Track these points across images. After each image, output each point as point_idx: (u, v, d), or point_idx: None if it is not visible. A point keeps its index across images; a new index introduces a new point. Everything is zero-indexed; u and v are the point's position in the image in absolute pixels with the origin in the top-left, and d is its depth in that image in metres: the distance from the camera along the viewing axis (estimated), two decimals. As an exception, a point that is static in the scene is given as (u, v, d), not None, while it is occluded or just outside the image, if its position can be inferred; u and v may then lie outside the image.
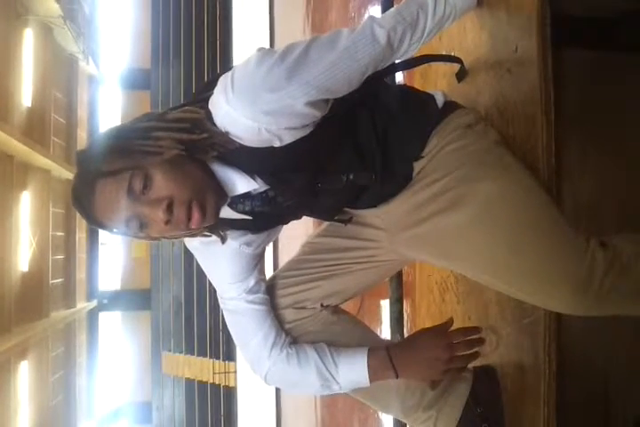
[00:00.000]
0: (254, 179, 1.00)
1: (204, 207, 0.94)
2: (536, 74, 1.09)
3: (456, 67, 1.31)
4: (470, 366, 1.23)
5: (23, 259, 7.62)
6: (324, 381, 1.14)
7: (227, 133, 0.93)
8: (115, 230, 0.98)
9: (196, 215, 0.93)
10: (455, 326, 1.19)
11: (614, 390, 1.24)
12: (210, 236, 1.08)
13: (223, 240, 1.09)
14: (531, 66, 1.10)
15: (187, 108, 0.97)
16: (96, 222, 0.97)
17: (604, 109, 1.31)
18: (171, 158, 0.92)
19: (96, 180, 0.93)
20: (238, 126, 0.92)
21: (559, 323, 1.09)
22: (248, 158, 0.97)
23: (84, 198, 0.95)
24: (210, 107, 0.94)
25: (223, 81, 0.91)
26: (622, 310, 1.00)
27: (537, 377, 1.11)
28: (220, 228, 1.08)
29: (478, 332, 1.17)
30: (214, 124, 0.93)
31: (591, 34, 1.29)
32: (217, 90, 0.92)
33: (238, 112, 0.89)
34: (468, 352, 1.15)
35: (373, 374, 1.13)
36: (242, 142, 0.94)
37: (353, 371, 1.13)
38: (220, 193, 0.99)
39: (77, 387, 10.43)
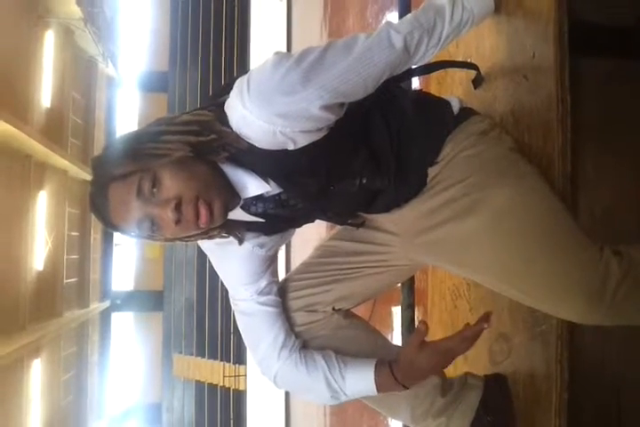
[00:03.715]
0: (267, 181, 1.00)
1: (210, 205, 0.94)
2: (553, 81, 1.09)
3: (472, 73, 1.30)
4: (481, 373, 1.23)
5: (38, 258, 7.69)
6: (333, 393, 1.13)
7: (237, 134, 0.94)
8: (132, 234, 1.00)
9: (203, 213, 0.93)
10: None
11: (627, 399, 1.23)
12: (227, 237, 1.09)
13: (240, 241, 1.10)
14: (548, 73, 1.10)
15: (196, 111, 0.98)
16: (112, 226, 0.99)
17: (621, 117, 1.30)
18: (179, 159, 0.93)
19: (108, 184, 0.95)
20: (253, 129, 0.92)
21: (572, 332, 1.08)
22: (262, 161, 0.97)
23: (99, 203, 0.97)
24: (225, 109, 0.95)
25: (239, 84, 0.92)
26: (635, 319, 0.99)
27: (549, 386, 1.10)
28: (234, 229, 1.08)
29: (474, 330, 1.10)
30: (227, 126, 0.94)
31: (609, 41, 1.29)
32: (233, 93, 0.93)
33: (254, 115, 0.90)
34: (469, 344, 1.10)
35: (381, 390, 1.12)
36: (256, 145, 0.95)
37: (360, 387, 1.12)
38: (231, 194, 0.99)
39: (88, 387, 10.49)
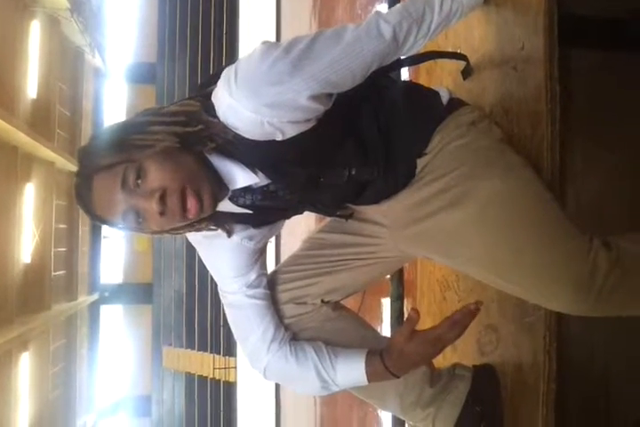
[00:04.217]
0: (255, 172, 0.99)
1: (199, 196, 0.93)
2: (542, 72, 1.09)
3: (462, 64, 1.30)
4: (470, 364, 1.23)
5: (26, 251, 7.62)
6: (322, 382, 1.14)
7: (224, 124, 0.93)
8: (118, 226, 0.98)
9: (192, 204, 0.92)
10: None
11: (615, 390, 1.24)
12: (215, 230, 1.08)
13: (229, 234, 1.09)
14: (537, 64, 1.10)
15: (183, 101, 0.97)
16: (97, 218, 0.98)
17: (610, 109, 1.30)
18: (165, 150, 0.92)
19: (93, 175, 0.94)
20: (241, 119, 0.91)
21: (560, 322, 1.09)
22: (249, 152, 0.97)
23: (84, 194, 0.96)
24: (212, 99, 0.94)
25: (226, 73, 0.91)
26: (624, 310, 0.99)
27: (536, 377, 1.11)
28: (222, 221, 1.08)
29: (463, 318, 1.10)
30: (214, 116, 0.93)
31: (598, 33, 1.29)
32: (220, 82, 0.92)
33: (241, 105, 0.89)
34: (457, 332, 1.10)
35: (372, 380, 1.12)
36: (244, 135, 0.94)
37: (351, 377, 1.13)
38: (219, 185, 0.98)
39: (77, 380, 10.46)
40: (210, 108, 0.93)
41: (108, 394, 12.61)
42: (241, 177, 0.99)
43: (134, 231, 1.01)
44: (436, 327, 1.08)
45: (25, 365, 7.39)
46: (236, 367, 9.21)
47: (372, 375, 1.11)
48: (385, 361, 1.10)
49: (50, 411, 8.50)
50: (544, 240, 0.98)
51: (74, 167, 1.00)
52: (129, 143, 0.93)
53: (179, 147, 0.93)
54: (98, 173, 0.93)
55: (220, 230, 1.09)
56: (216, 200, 0.98)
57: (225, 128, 0.93)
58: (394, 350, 1.10)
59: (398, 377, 1.12)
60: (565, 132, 1.09)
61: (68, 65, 9.78)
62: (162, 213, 0.92)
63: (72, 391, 10.12)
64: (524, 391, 1.16)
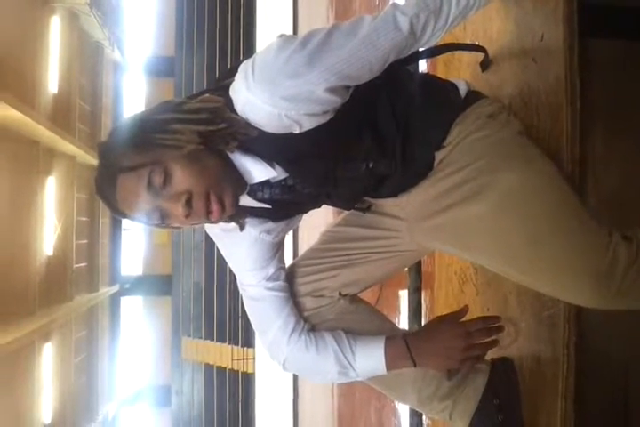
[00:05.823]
0: (273, 167, 1.00)
1: (221, 199, 0.95)
2: (562, 63, 1.08)
3: (480, 56, 1.29)
4: (488, 357, 1.23)
5: (48, 243, 7.73)
6: (341, 368, 1.14)
7: (246, 121, 0.93)
8: (139, 220, 1.00)
9: (215, 208, 0.94)
10: (474, 317, 1.18)
11: (634, 383, 1.23)
12: (230, 222, 1.09)
13: (242, 228, 1.10)
14: (556, 55, 1.09)
15: (205, 96, 0.97)
16: (119, 213, 0.99)
17: (630, 100, 1.28)
18: (190, 153, 0.93)
19: (117, 174, 0.94)
20: (259, 112, 0.92)
21: (579, 316, 1.08)
22: (267, 146, 0.97)
23: (106, 191, 0.97)
24: (230, 93, 0.94)
25: (244, 67, 0.91)
26: (643, 304, 0.98)
27: (555, 370, 1.11)
28: (239, 215, 1.08)
29: (497, 321, 1.16)
30: (234, 112, 0.94)
31: (618, 23, 1.27)
32: (238, 76, 0.92)
33: (259, 98, 0.89)
34: (487, 340, 1.14)
35: (391, 363, 1.13)
36: (262, 129, 0.94)
37: (370, 359, 1.13)
38: (239, 182, 0.99)
39: (99, 369, 10.62)
40: (230, 103, 0.94)
41: (128, 384, 12.78)
42: (258, 171, 1.00)
43: (155, 227, 1.02)
44: (469, 322, 1.13)
45: (48, 355, 7.51)
46: (254, 358, 9.28)
47: (390, 360, 1.12)
48: (409, 341, 1.12)
49: (72, 400, 8.65)
50: (563, 234, 0.98)
51: (94, 161, 1.00)
52: (153, 142, 0.94)
53: (202, 148, 0.94)
54: (122, 173, 0.94)
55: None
56: (237, 201, 0.99)
57: (247, 124, 0.94)
58: (424, 331, 1.14)
59: (415, 364, 1.13)
60: (586, 125, 1.07)
61: (87, 59, 9.86)
62: (187, 216, 0.94)
63: (94, 381, 10.28)
64: (542, 385, 1.15)
